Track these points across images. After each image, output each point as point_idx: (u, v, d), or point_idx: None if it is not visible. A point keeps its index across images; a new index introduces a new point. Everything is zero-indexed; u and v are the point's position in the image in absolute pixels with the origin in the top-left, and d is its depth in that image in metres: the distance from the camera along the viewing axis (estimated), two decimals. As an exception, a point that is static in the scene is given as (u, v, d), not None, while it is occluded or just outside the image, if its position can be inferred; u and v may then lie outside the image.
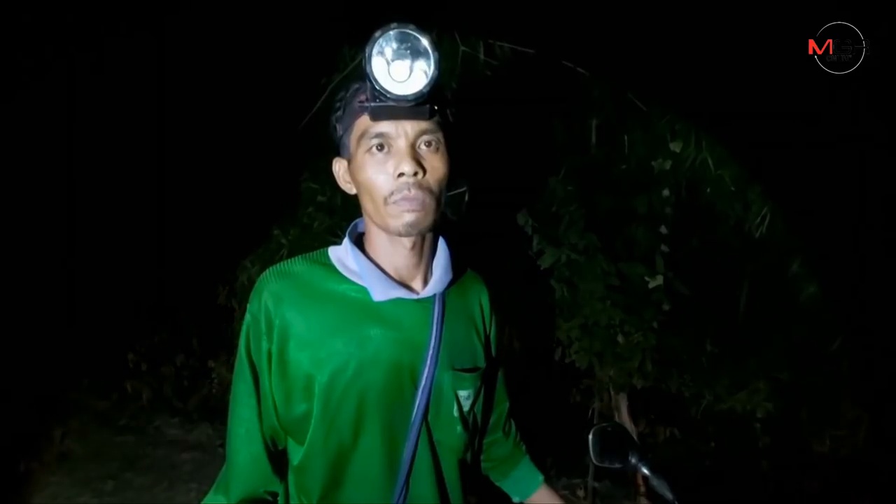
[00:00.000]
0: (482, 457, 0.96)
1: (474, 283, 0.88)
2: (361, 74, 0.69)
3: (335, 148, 0.78)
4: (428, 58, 0.65)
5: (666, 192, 2.02)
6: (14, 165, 3.00)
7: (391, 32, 0.64)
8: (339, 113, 0.75)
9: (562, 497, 0.96)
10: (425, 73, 0.65)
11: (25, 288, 3.37)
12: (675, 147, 1.93)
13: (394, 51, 0.64)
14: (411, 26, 0.64)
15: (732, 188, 1.89)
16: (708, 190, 1.94)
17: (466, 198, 1.88)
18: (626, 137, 2.06)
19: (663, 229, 2.04)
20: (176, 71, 2.74)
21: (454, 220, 1.88)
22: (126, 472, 2.67)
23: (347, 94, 0.74)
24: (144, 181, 3.29)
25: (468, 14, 2.04)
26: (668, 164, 1.98)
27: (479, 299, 0.87)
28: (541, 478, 0.96)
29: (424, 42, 0.64)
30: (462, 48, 1.86)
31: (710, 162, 1.88)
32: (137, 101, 2.99)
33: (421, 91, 0.65)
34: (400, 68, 0.64)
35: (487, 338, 0.87)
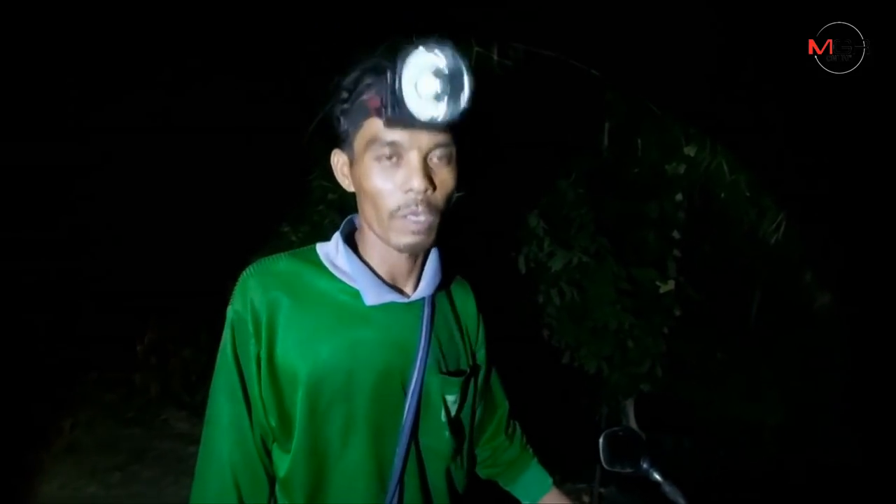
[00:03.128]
0: (489, 462, 0.95)
1: (461, 287, 0.86)
2: (375, 68, 0.64)
3: (336, 138, 0.73)
4: (462, 82, 0.59)
5: (679, 197, 2.00)
6: (21, 161, 3.05)
7: (424, 51, 0.58)
8: (346, 105, 0.69)
9: (571, 501, 0.95)
10: (458, 98, 0.59)
11: (36, 282, 3.41)
12: (690, 151, 1.91)
13: (426, 69, 0.58)
14: (449, 44, 0.59)
15: (747, 193, 1.86)
16: (722, 195, 1.91)
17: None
18: (639, 141, 2.04)
19: (675, 234, 2.02)
20: (180, 66, 2.76)
21: (461, 221, 1.87)
22: (133, 464, 2.69)
23: (358, 87, 0.67)
24: (153, 176, 3.32)
25: (482, 14, 2.04)
26: (681, 168, 1.96)
27: (466, 304, 0.85)
28: (550, 481, 0.95)
29: (461, 65, 0.59)
30: (476, 48, 1.86)
31: (724, 167, 1.85)
32: (147, 99, 3.02)
33: (453, 118, 0.59)
34: (428, 84, 0.58)
35: (475, 342, 0.85)
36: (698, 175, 1.92)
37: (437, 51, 0.59)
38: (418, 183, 0.65)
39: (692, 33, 1.77)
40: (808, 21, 1.37)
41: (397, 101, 0.59)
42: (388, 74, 0.59)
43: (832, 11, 1.33)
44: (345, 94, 0.69)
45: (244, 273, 0.73)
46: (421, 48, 0.58)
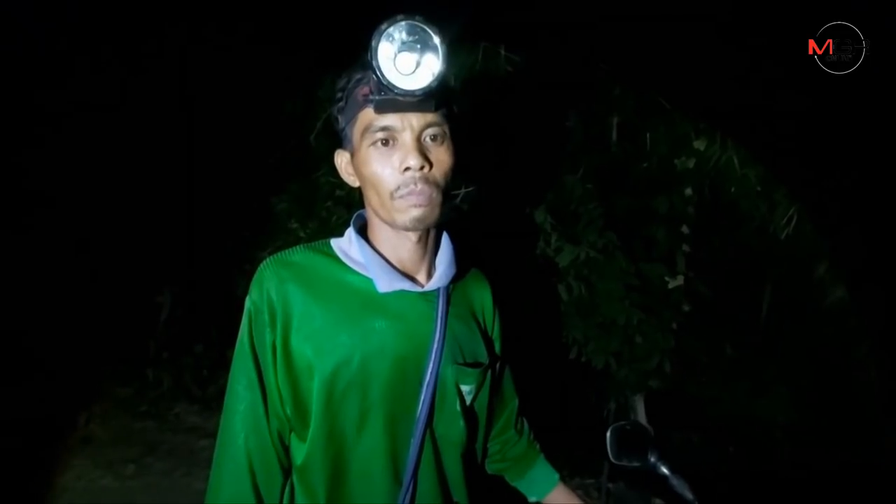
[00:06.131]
0: (497, 457, 0.96)
1: (478, 280, 0.87)
2: (363, 64, 0.67)
3: (337, 139, 0.76)
4: (436, 51, 0.63)
5: (688, 191, 1.98)
6: (36, 159, 3.11)
7: (398, 24, 0.62)
8: (341, 104, 0.73)
9: (578, 496, 0.95)
10: (433, 67, 0.63)
11: (51, 280, 3.47)
12: (699, 145, 1.89)
13: (401, 43, 0.62)
14: (419, 18, 0.62)
15: (758, 188, 1.84)
16: (732, 189, 1.89)
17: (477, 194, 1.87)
18: (647, 135, 2.02)
19: (685, 229, 2.00)
20: (192, 63, 2.78)
21: (469, 217, 1.88)
22: (146, 456, 2.74)
23: (349, 85, 0.72)
24: (165, 175, 3.35)
25: (489, 9, 2.03)
26: (691, 163, 1.93)
27: (482, 297, 0.86)
28: (557, 477, 0.95)
29: (432, 35, 0.63)
30: (484, 43, 1.85)
31: (735, 161, 1.83)
32: (161, 101, 3.05)
33: (428, 86, 0.63)
34: (406, 60, 0.63)
35: (490, 335, 0.86)
36: (708, 169, 1.89)
37: (409, 25, 0.62)
38: (414, 160, 0.67)
39: (700, 27, 1.75)
40: (809, 21, 1.36)
41: (379, 79, 0.62)
42: (368, 54, 0.62)
43: (832, 11, 1.33)
44: (339, 94, 0.73)
45: (261, 265, 0.75)
46: (394, 25, 0.62)
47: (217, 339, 3.43)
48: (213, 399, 3.28)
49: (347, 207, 2.00)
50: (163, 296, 3.86)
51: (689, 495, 0.77)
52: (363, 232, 0.79)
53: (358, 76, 0.71)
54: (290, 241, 2.13)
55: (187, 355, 3.55)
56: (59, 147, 3.18)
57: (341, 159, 0.77)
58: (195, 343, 3.57)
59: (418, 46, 0.63)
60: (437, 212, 0.71)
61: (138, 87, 2.97)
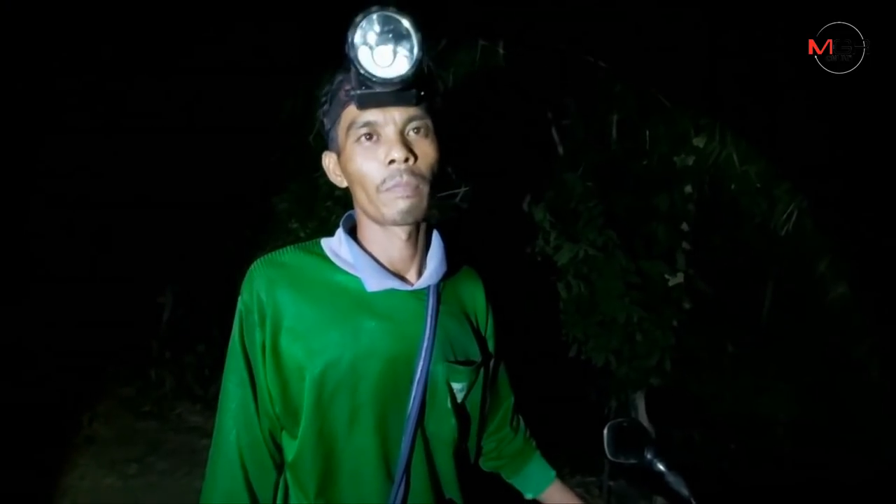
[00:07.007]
0: (493, 455, 0.96)
1: (470, 278, 0.87)
2: (344, 66, 0.68)
3: (324, 142, 0.77)
4: (410, 40, 0.63)
5: (688, 189, 1.97)
6: (37, 157, 3.12)
7: (373, 16, 0.62)
8: (326, 107, 0.74)
9: (577, 493, 0.95)
10: (408, 55, 0.63)
11: (55, 279, 3.49)
12: (699, 142, 1.89)
13: (377, 35, 0.63)
14: (392, 8, 0.63)
15: (758, 184, 1.84)
16: (732, 186, 1.89)
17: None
18: (647, 133, 2.01)
19: (685, 226, 1.99)
20: (192, 63, 2.79)
21: (469, 215, 1.88)
22: (149, 455, 2.76)
23: (332, 87, 0.73)
24: (167, 175, 3.36)
25: (488, 7, 2.03)
26: (690, 160, 1.93)
27: (475, 294, 0.86)
28: (553, 473, 0.95)
29: (406, 24, 0.63)
30: (481, 42, 1.85)
31: (734, 157, 1.83)
32: (162, 100, 3.06)
33: (405, 74, 0.63)
34: (383, 53, 0.63)
35: (483, 333, 0.86)
36: (708, 167, 1.89)
37: (382, 16, 0.63)
38: (398, 153, 0.67)
39: (700, 24, 1.74)
40: (809, 21, 1.37)
41: (357, 70, 0.63)
42: (345, 47, 0.63)
43: (832, 11, 1.33)
44: (324, 99, 0.74)
45: (252, 266, 0.76)
46: (367, 16, 0.63)
47: (219, 339, 3.40)
48: (214, 399, 3.23)
49: (346, 207, 2.00)
50: (165, 296, 3.87)
51: (685, 492, 0.77)
52: (353, 232, 0.79)
53: (339, 78, 0.72)
54: (291, 240, 2.11)
55: (189, 355, 3.55)
56: (62, 147, 3.19)
57: (329, 161, 0.78)
58: (197, 343, 3.57)
59: (392, 36, 0.63)
60: (424, 204, 0.71)
61: (138, 86, 2.98)
